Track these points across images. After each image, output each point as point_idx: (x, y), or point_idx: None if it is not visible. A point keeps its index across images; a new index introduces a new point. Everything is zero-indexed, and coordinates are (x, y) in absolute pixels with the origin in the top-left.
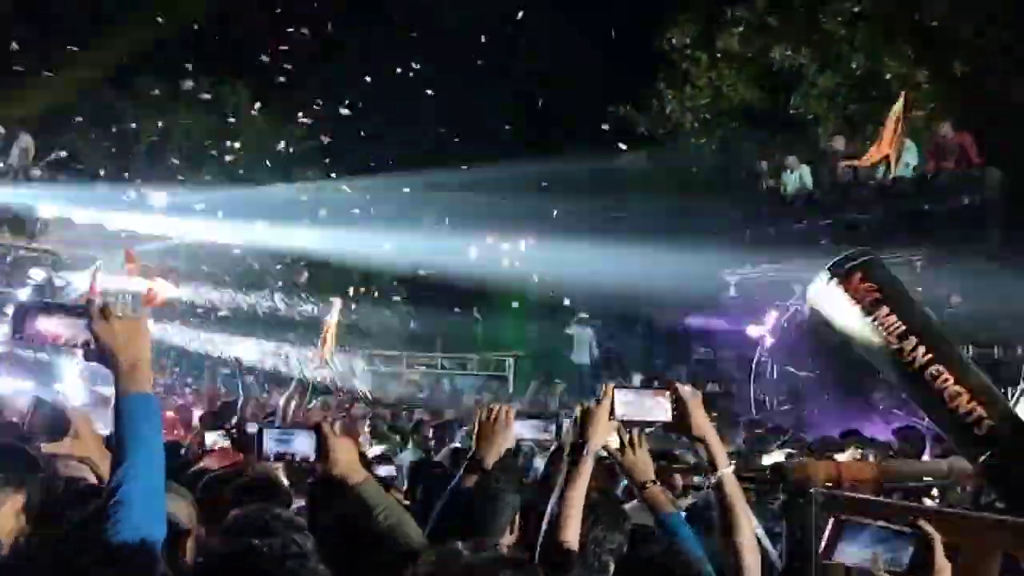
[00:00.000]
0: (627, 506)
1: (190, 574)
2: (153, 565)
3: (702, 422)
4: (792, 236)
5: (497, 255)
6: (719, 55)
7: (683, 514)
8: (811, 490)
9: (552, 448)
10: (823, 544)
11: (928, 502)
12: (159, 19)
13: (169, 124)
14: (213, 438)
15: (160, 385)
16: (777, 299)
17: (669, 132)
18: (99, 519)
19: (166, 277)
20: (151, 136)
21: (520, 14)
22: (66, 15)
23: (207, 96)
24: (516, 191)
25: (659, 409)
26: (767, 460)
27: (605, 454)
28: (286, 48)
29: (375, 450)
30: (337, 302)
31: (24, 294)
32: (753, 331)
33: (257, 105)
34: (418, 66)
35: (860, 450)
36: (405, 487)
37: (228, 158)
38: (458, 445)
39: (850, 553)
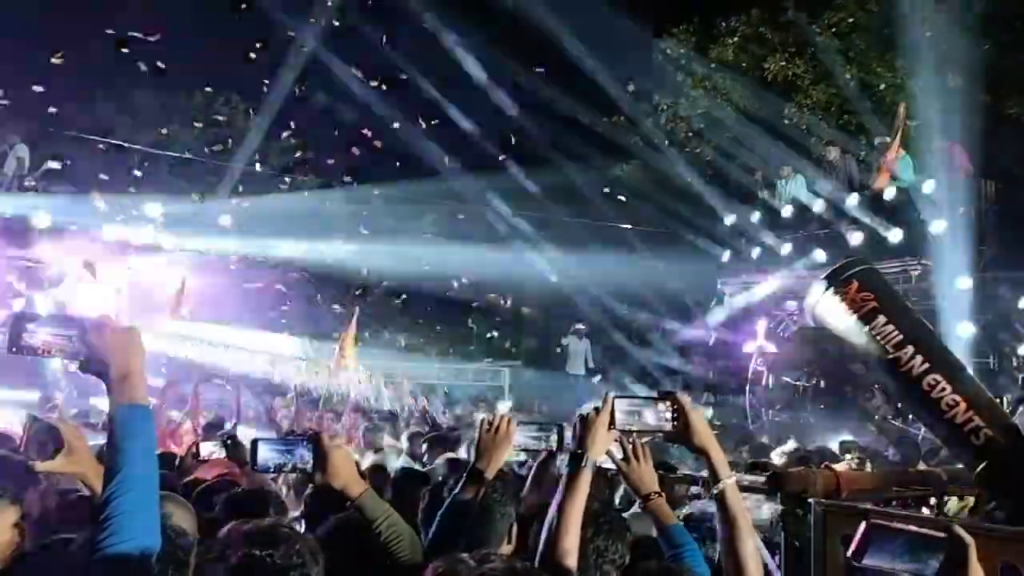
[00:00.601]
0: (625, 515)
1: None
2: None
3: (704, 433)
4: (786, 246)
5: (494, 264)
6: (714, 65)
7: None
8: (809, 500)
9: (542, 454)
10: (853, 547)
11: (924, 511)
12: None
13: (166, 135)
14: (209, 448)
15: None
16: (772, 309)
17: (664, 141)
18: (92, 531)
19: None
20: (146, 148)
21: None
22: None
23: (203, 108)
24: (511, 201)
25: (660, 419)
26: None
27: (608, 464)
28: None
29: (367, 460)
30: (355, 310)
31: (18, 305)
32: (749, 348)
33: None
34: (405, 75)
35: (857, 459)
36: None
37: (222, 167)
38: (451, 455)
39: (881, 557)
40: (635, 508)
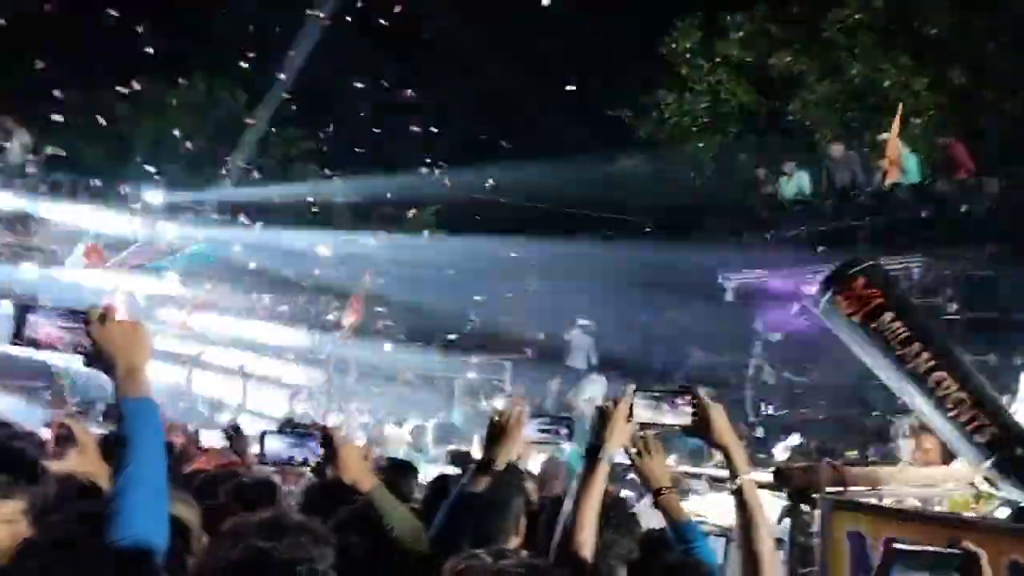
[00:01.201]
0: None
1: None
2: (155, 574)
3: (723, 428)
4: (790, 242)
5: (495, 257)
6: (719, 60)
7: None
8: (816, 495)
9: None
10: (875, 571)
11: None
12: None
13: (166, 125)
14: (210, 437)
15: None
16: (775, 305)
17: (668, 136)
18: (100, 526)
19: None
20: (147, 137)
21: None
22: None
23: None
24: (513, 193)
25: (678, 414)
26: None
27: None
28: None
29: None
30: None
31: (19, 288)
32: (751, 342)
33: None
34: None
35: (861, 455)
36: None
37: (225, 160)
38: (455, 447)
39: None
40: (645, 501)
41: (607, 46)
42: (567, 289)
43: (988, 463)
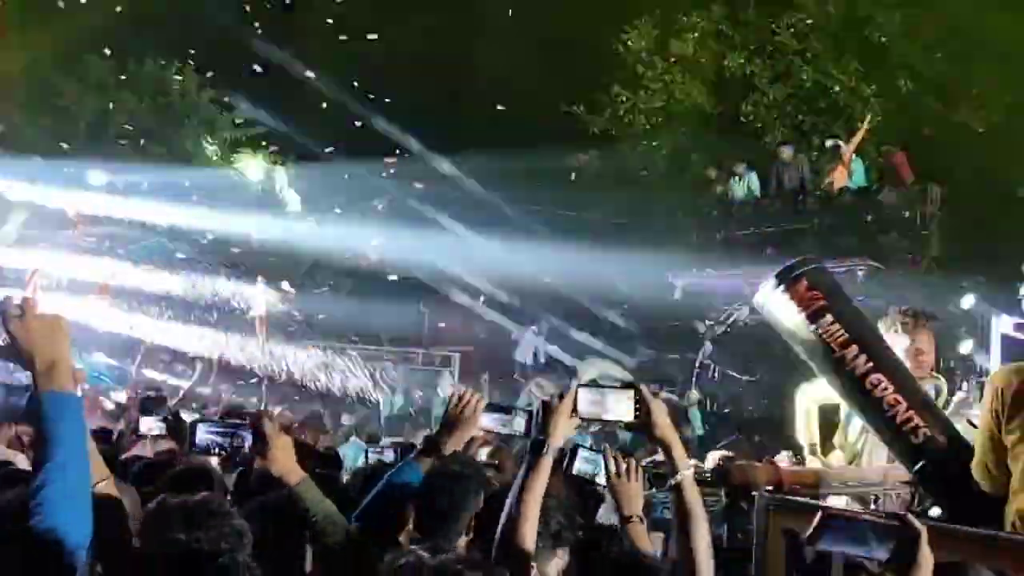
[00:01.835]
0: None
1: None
2: (73, 571)
3: (665, 424)
4: (738, 242)
5: (447, 250)
6: (673, 59)
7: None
8: (754, 493)
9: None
10: (810, 531)
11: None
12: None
13: (113, 103)
14: (148, 424)
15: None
16: (722, 304)
17: (621, 133)
18: (21, 520)
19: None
20: (93, 114)
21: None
22: None
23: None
24: (467, 186)
25: (621, 409)
26: (708, 463)
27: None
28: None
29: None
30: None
31: None
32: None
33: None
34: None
35: (798, 455)
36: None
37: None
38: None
39: (835, 542)
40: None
41: (562, 41)
42: (515, 284)
43: (922, 463)
